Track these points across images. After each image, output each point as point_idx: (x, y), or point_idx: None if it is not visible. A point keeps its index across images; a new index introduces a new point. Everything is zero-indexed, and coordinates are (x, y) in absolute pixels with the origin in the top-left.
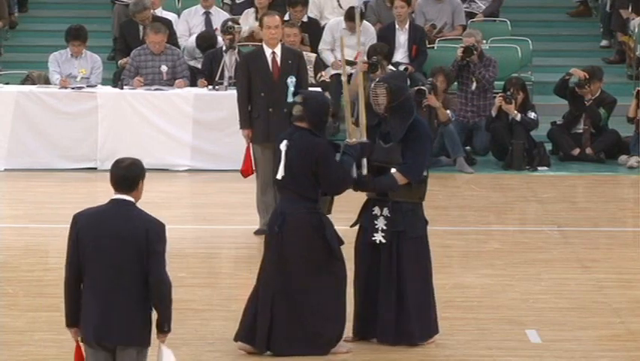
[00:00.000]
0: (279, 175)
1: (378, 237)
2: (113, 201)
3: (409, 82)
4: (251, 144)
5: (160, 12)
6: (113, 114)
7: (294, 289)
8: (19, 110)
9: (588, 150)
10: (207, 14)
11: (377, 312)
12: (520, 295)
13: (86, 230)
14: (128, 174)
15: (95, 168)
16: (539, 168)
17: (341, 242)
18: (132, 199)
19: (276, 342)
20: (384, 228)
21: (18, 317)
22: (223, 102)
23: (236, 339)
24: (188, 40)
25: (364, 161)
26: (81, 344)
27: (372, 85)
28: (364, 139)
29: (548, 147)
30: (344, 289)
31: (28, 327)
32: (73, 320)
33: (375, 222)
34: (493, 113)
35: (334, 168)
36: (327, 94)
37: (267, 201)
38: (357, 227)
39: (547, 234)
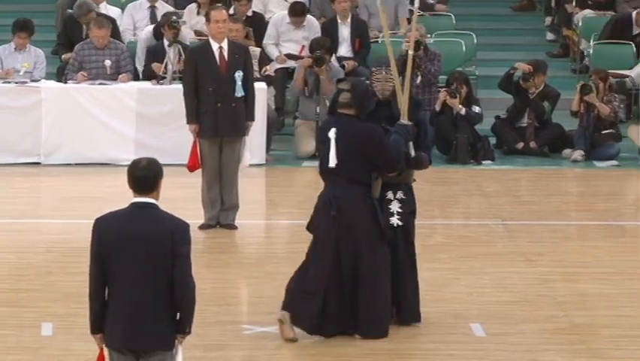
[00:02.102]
0: (332, 163)
1: (395, 220)
2: (134, 204)
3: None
4: (198, 139)
5: (104, 6)
6: (57, 109)
7: (360, 272)
8: None
9: (532, 144)
10: (152, 8)
11: (398, 294)
12: (464, 288)
13: (109, 235)
14: (147, 175)
15: (39, 163)
16: (483, 162)
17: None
18: (154, 201)
19: (364, 325)
20: (400, 210)
21: None
22: (167, 97)
23: (283, 309)
24: (142, 31)
25: (410, 143)
26: (105, 350)
27: (384, 72)
28: (407, 121)
29: (492, 140)
30: (390, 272)
31: None
32: (98, 326)
33: (390, 206)
34: (437, 107)
35: (390, 149)
36: (271, 88)
37: (212, 196)
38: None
39: (491, 228)
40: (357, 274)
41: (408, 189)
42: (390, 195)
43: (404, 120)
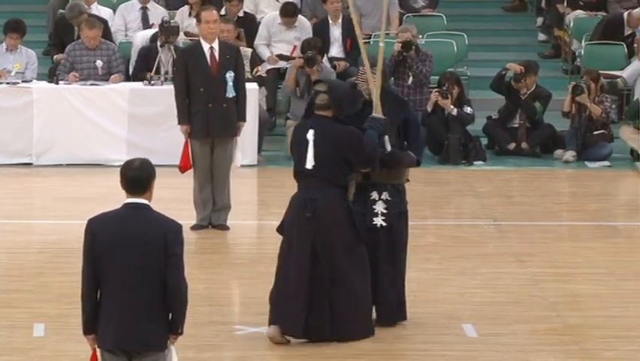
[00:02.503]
0: (309, 165)
1: (379, 221)
2: (127, 205)
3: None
4: (189, 140)
5: (96, 7)
6: (49, 109)
7: (335, 273)
8: None
9: (524, 145)
10: (144, 9)
11: (377, 295)
12: (456, 289)
13: (102, 236)
14: (140, 175)
15: (31, 164)
16: (475, 163)
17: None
18: (147, 202)
19: (337, 328)
20: (384, 211)
21: None
22: (159, 97)
23: (271, 323)
24: (137, 36)
25: (386, 138)
26: (98, 351)
27: (360, 69)
28: (380, 114)
29: (484, 141)
30: (368, 272)
31: None
32: (91, 327)
33: (374, 206)
34: (429, 108)
35: (366, 148)
36: (263, 89)
37: (204, 196)
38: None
39: (483, 228)
40: (333, 275)
41: (395, 190)
42: (375, 195)
43: (377, 114)
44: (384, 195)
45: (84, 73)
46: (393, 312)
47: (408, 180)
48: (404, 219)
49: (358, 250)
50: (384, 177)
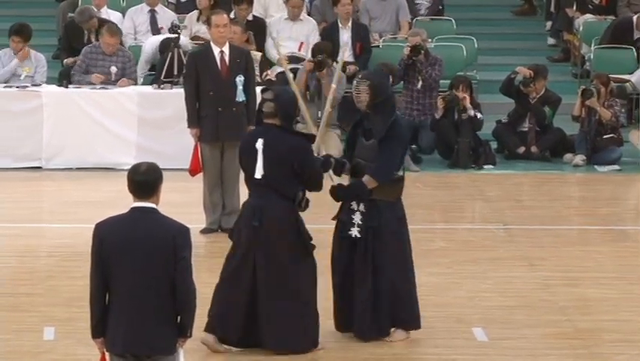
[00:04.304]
0: (258, 175)
1: (354, 231)
2: (134, 209)
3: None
4: (199, 143)
5: (105, 11)
6: (58, 113)
7: (277, 282)
8: None
9: (533, 149)
10: (153, 12)
11: (353, 307)
12: (466, 293)
13: (110, 240)
14: (147, 179)
15: (40, 167)
16: (485, 167)
17: (311, 239)
18: (154, 205)
19: (267, 338)
20: (360, 223)
21: None
22: (168, 101)
23: (207, 330)
24: (147, 42)
25: (330, 172)
26: (107, 354)
27: (355, 82)
28: (323, 152)
29: (494, 145)
30: (316, 283)
31: None
32: (100, 330)
33: (352, 216)
34: (437, 115)
35: (315, 166)
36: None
37: (214, 200)
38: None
39: (493, 232)
40: (274, 286)
41: (373, 204)
42: (354, 205)
43: (316, 152)
44: (361, 207)
45: None
46: (368, 327)
47: (397, 198)
48: (384, 235)
49: (305, 263)
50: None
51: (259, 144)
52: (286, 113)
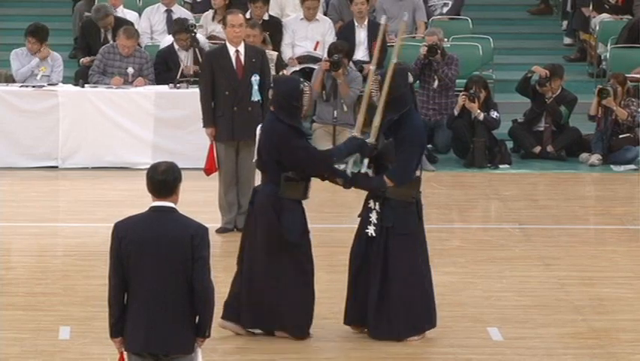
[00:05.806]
0: (254, 158)
1: (371, 230)
2: (153, 208)
3: (410, 78)
4: (214, 143)
5: (122, 10)
6: (75, 112)
7: (255, 269)
8: None
9: (549, 148)
10: (169, 12)
11: (365, 304)
12: (482, 292)
13: (129, 239)
14: (166, 179)
15: (57, 167)
16: (501, 166)
17: (305, 231)
18: (173, 205)
19: (244, 319)
20: (376, 222)
21: None
22: (184, 100)
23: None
24: (163, 40)
25: (366, 161)
26: (125, 354)
27: (376, 72)
28: (372, 140)
29: (510, 144)
30: (308, 280)
31: None
32: (118, 330)
33: (370, 215)
34: (456, 112)
35: (297, 151)
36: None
37: (229, 199)
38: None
39: (508, 232)
40: (251, 269)
41: (388, 204)
42: (372, 203)
43: (356, 133)
44: (377, 206)
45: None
46: (383, 327)
47: (414, 198)
48: (398, 237)
49: (289, 252)
50: (389, 189)
51: (259, 128)
52: (279, 102)
